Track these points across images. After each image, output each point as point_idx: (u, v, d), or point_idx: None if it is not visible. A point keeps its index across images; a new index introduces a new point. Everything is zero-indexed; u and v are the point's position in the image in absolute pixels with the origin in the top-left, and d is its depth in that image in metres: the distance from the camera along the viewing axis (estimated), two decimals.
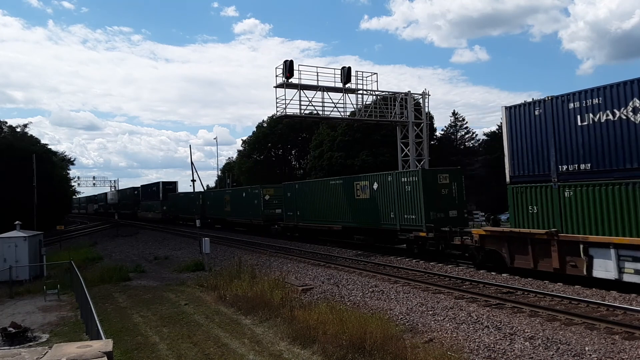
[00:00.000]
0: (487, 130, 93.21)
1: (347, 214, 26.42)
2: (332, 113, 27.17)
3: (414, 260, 20.75)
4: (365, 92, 27.79)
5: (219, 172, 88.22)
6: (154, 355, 11.01)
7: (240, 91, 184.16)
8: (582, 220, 14.38)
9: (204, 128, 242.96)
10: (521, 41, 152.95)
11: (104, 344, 3.78)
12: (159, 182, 67.31)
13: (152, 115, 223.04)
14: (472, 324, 11.30)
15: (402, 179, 22.12)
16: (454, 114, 64.41)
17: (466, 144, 59.53)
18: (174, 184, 67.91)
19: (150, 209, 68.58)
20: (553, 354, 9.09)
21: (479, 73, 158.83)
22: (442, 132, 58.41)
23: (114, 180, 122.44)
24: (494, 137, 54.68)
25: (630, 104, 13.59)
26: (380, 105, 29.37)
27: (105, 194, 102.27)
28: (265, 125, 67.74)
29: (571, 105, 15.10)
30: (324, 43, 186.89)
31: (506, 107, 17.57)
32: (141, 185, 78.59)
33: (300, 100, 25.84)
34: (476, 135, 59.84)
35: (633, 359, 8.65)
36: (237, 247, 30.18)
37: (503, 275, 16.68)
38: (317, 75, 26.11)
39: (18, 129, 52.15)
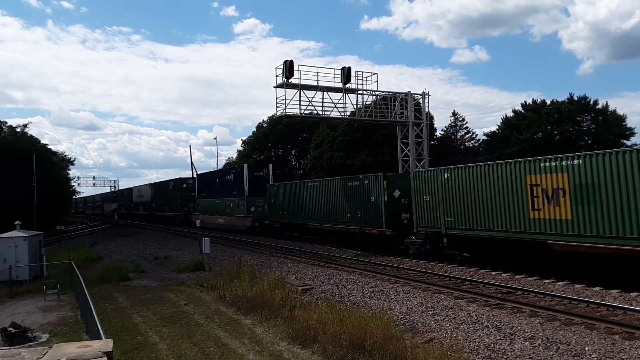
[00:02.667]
0: (487, 130, 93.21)
1: None
2: (332, 113, 27.18)
3: (414, 260, 20.78)
4: (365, 92, 27.80)
5: None
6: (154, 355, 11.00)
7: (240, 91, 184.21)
8: None
9: (203, 128, 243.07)
10: (521, 41, 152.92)
11: (104, 344, 3.78)
12: (242, 166, 40.31)
13: (151, 115, 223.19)
14: (472, 324, 11.30)
15: None
16: (454, 114, 64.41)
17: (466, 144, 59.54)
18: (265, 170, 39.69)
19: (221, 210, 42.88)
20: (553, 354, 9.10)
21: (478, 73, 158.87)
22: (442, 132, 58.44)
23: (114, 180, 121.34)
24: (494, 137, 54.72)
25: None
26: (380, 105, 29.38)
27: (130, 189, 79.54)
28: (265, 125, 67.79)
29: None
30: (323, 43, 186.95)
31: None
32: (199, 174, 53.61)
33: (300, 100, 25.87)
34: (476, 135, 59.87)
35: (633, 359, 8.65)
36: (237, 247, 30.18)
37: (503, 275, 16.70)
38: (317, 75, 26.14)
39: (18, 129, 52.14)
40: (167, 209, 57.50)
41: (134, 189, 76.30)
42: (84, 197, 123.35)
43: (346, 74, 26.49)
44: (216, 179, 45.88)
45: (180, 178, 57.79)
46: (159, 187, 62.67)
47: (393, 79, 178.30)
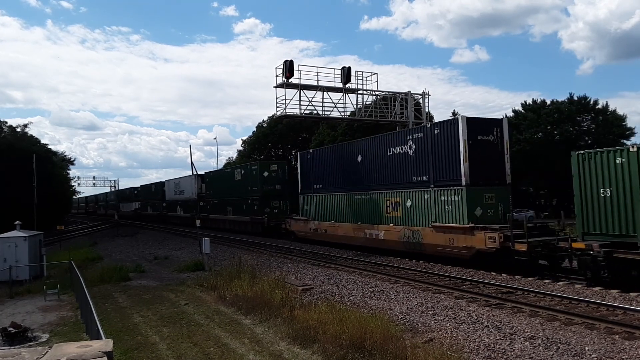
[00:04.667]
0: None
1: None
2: (332, 113, 27.16)
3: (414, 260, 20.78)
4: (365, 92, 27.79)
5: None
6: (154, 355, 11.00)
7: (240, 91, 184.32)
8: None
9: (203, 128, 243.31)
10: (521, 41, 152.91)
11: (104, 344, 3.79)
12: (454, 122, 19.42)
13: (151, 115, 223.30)
14: (472, 323, 11.30)
15: None
16: (454, 114, 64.34)
17: None
18: (496, 131, 19.50)
19: (374, 214, 23.71)
20: (553, 354, 9.09)
21: (478, 73, 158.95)
22: None
23: (114, 180, 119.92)
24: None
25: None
26: (380, 105, 29.37)
27: (161, 184, 60.83)
28: (265, 125, 67.77)
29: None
30: (323, 43, 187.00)
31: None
32: (307, 152, 31.86)
33: (300, 100, 25.86)
34: None
35: (633, 358, 8.64)
36: (237, 247, 30.17)
37: (503, 275, 16.69)
38: (317, 75, 26.14)
39: (18, 129, 52.20)
40: (231, 211, 39.63)
41: (169, 183, 57.78)
42: (95, 196, 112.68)
43: (346, 74, 26.48)
44: (357, 156, 25.14)
45: (257, 162, 38.85)
46: (214, 179, 45.14)
47: (393, 78, 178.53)
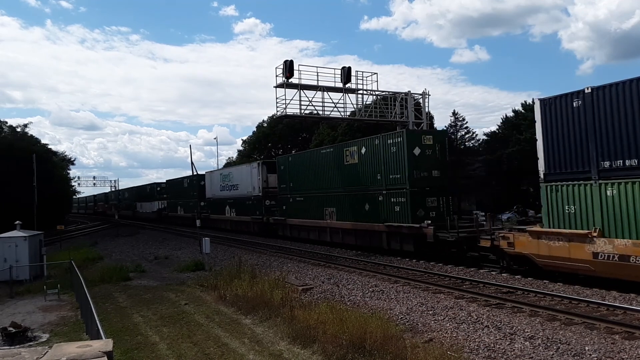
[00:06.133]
0: (487, 130, 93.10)
1: None
2: (332, 113, 27.14)
3: (414, 260, 20.78)
4: (365, 92, 27.77)
5: None
6: (154, 354, 11.01)
7: (240, 91, 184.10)
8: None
9: (203, 128, 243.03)
10: (521, 41, 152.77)
11: (104, 344, 3.79)
12: None
13: (151, 115, 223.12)
14: (472, 323, 11.31)
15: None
16: (454, 113, 64.32)
17: (466, 143, 59.51)
18: None
19: None
20: (553, 354, 9.10)
21: (477, 73, 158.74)
22: None
23: (114, 180, 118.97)
24: (494, 137, 54.71)
25: None
26: (380, 105, 29.36)
27: (200, 177, 48.00)
28: (265, 125, 67.85)
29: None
30: (322, 43, 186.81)
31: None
32: (591, 88, 13.98)
33: (300, 100, 25.84)
34: (476, 135, 59.75)
35: (633, 358, 8.65)
36: (237, 247, 30.18)
37: (503, 275, 16.70)
38: (317, 75, 26.10)
39: (18, 129, 52.23)
40: (334, 214, 26.43)
41: (211, 176, 45.23)
42: (105, 194, 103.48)
43: (346, 73, 26.46)
44: None
45: (402, 132, 22.43)
46: (296, 165, 31.25)
47: (392, 78, 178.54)
